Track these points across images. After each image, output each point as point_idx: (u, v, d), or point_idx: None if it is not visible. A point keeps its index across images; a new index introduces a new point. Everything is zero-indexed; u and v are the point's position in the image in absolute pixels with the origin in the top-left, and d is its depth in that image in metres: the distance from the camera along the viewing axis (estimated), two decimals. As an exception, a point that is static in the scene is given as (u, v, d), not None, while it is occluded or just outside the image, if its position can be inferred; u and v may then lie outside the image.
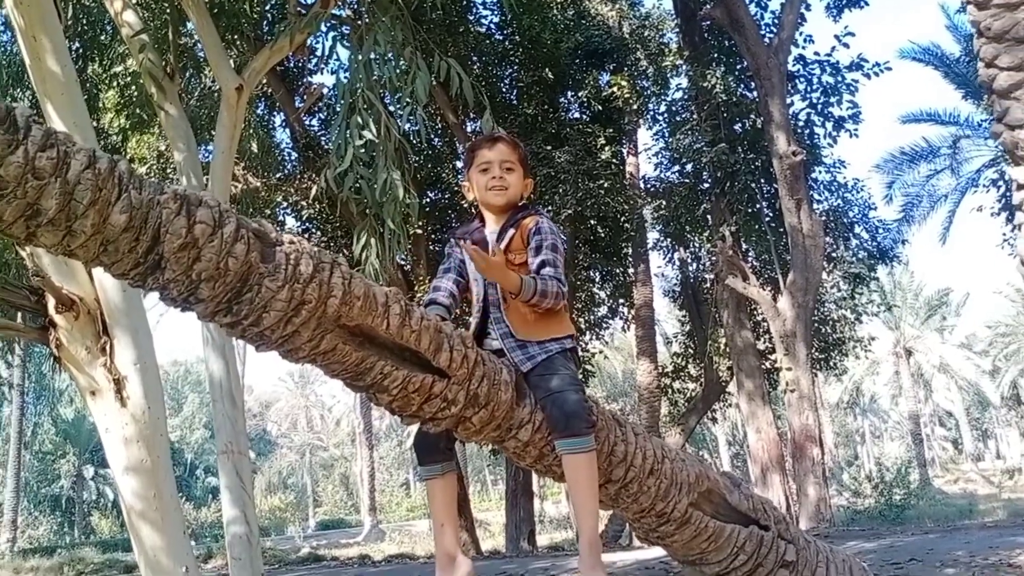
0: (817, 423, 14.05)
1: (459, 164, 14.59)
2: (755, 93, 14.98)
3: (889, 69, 15.33)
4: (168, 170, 11.38)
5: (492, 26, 15.02)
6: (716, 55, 16.03)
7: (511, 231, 2.57)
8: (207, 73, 10.00)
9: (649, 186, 17.31)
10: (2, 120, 1.57)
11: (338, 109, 6.14)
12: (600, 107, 14.63)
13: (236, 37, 9.06)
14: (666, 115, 17.22)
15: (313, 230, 14.86)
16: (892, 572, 6.46)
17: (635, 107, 15.25)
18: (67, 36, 5.44)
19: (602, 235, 15.02)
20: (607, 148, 14.13)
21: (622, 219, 14.39)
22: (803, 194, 13.68)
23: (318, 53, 10.90)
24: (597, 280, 16.69)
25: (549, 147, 13.14)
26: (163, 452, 4.79)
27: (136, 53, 6.10)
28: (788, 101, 14.55)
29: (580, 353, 2.79)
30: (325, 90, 13.22)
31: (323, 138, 14.10)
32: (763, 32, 15.20)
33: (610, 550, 11.75)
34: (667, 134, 16.84)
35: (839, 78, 15.34)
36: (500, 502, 31.76)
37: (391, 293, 2.08)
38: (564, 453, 2.34)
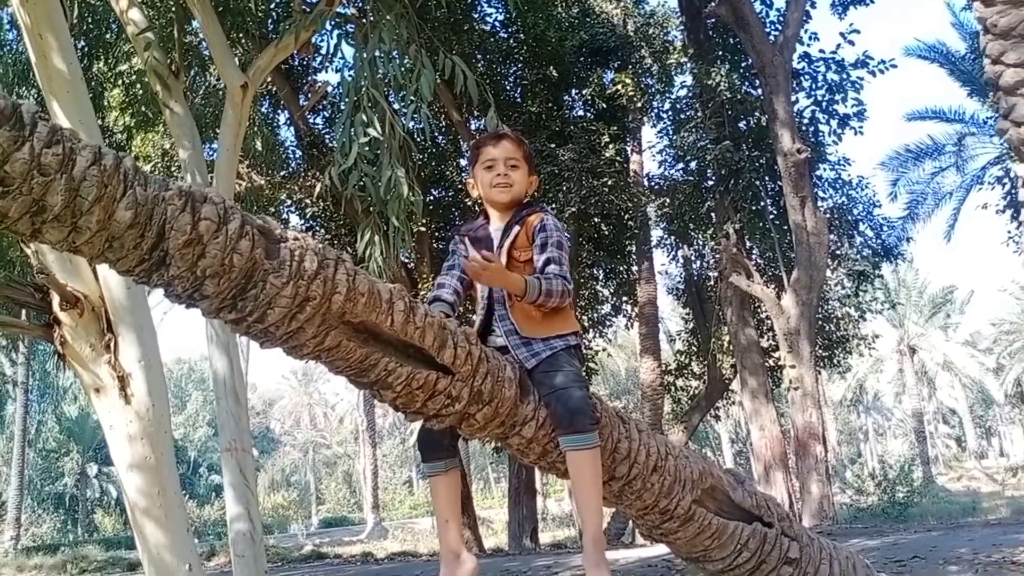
0: (820, 421, 14.03)
1: (463, 162, 14.59)
2: (760, 90, 14.95)
3: (894, 66, 15.28)
4: (173, 168, 11.39)
5: (496, 24, 15.03)
6: (721, 53, 15.99)
7: (516, 228, 2.56)
8: (212, 71, 10.02)
9: (653, 184, 17.29)
10: (8, 117, 1.58)
11: (342, 107, 6.15)
12: (604, 105, 14.62)
13: (241, 35, 9.08)
14: (670, 113, 17.20)
15: (317, 228, 14.87)
16: (895, 569, 6.46)
17: (639, 105, 15.23)
18: (72, 34, 5.45)
19: (606, 233, 15.02)
20: (611, 146, 14.12)
21: (626, 217, 14.38)
22: (807, 192, 13.66)
23: (323, 51, 10.93)
24: (601, 278, 16.69)
25: (553, 145, 13.14)
26: (167, 449, 4.81)
27: (141, 51, 6.11)
28: (793, 98, 14.52)
29: (583, 351, 2.79)
30: (329, 88, 13.26)
31: (327, 136, 14.11)
32: (768, 29, 15.16)
33: (613, 548, 11.75)
34: (671, 132, 16.82)
35: (844, 75, 15.29)
36: (503, 500, 31.77)
37: (395, 290, 2.08)
38: (568, 450, 2.34)
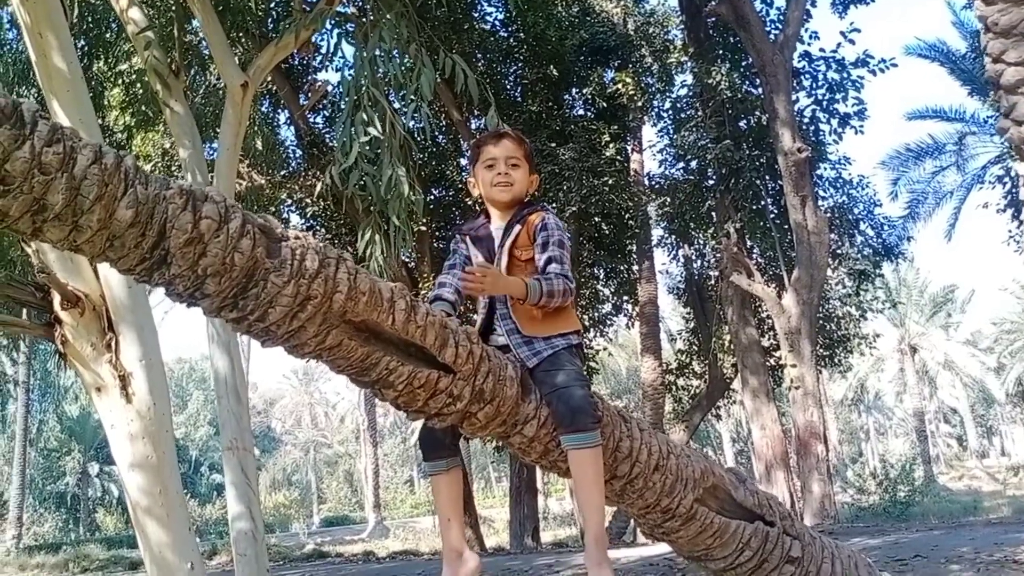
0: (821, 420, 14.03)
1: (463, 161, 14.58)
2: (760, 90, 14.94)
3: (895, 65, 15.28)
4: (173, 168, 11.40)
5: (497, 23, 15.02)
6: (721, 52, 15.98)
7: (517, 227, 2.56)
8: (212, 70, 10.02)
9: (654, 183, 17.29)
10: (9, 115, 1.57)
11: (343, 106, 6.15)
12: (605, 104, 14.61)
13: (241, 34, 9.07)
14: (671, 112, 17.19)
15: (318, 227, 14.87)
16: (897, 568, 6.46)
17: (640, 104, 15.22)
18: (72, 34, 5.45)
19: (606, 232, 15.01)
20: (611, 145, 14.11)
21: (626, 216, 14.38)
22: (808, 191, 13.66)
23: (323, 50, 10.93)
24: (601, 277, 16.68)
25: (553, 144, 13.14)
26: (168, 448, 4.80)
27: (141, 50, 6.10)
28: (793, 98, 14.51)
29: (584, 350, 2.79)
30: (329, 87, 13.25)
31: (327, 135, 14.11)
32: (768, 28, 15.15)
33: (614, 547, 11.76)
34: (672, 131, 16.81)
35: (845, 74, 15.28)
36: (504, 499, 31.77)
37: (396, 289, 2.08)
38: (570, 449, 2.34)
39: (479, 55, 13.96)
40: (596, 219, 14.33)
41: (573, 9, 14.64)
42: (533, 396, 2.35)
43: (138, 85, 8.91)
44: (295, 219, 15.10)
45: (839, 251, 15.95)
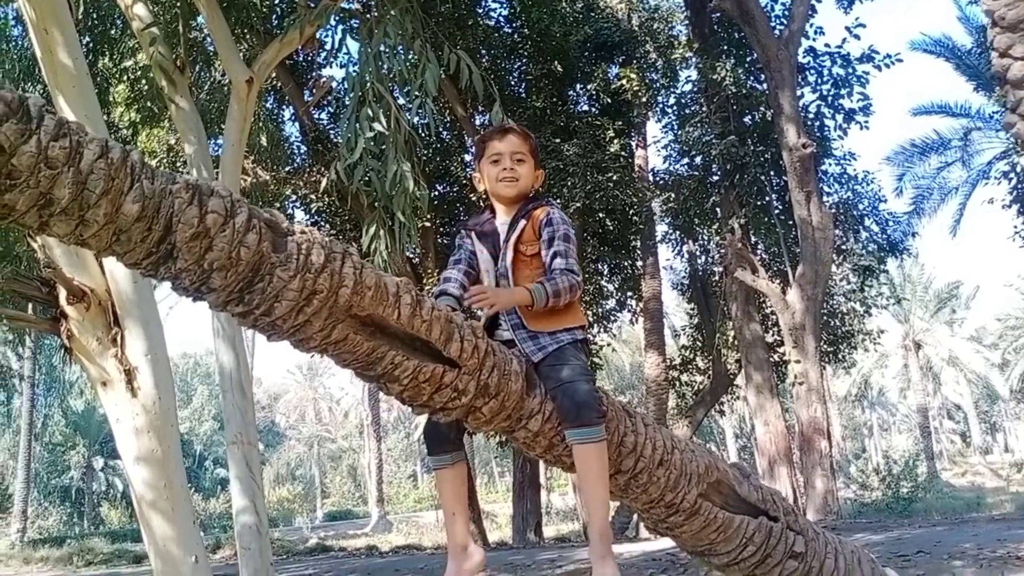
0: (825, 416, 14.03)
1: (468, 157, 14.58)
2: (765, 85, 14.91)
3: (900, 61, 15.23)
4: (178, 164, 11.42)
5: (501, 19, 15.02)
6: (726, 47, 15.93)
7: (522, 222, 2.56)
8: (217, 67, 10.03)
9: (658, 179, 17.27)
10: (15, 110, 1.58)
11: (347, 102, 6.15)
12: (609, 100, 14.60)
13: (246, 31, 9.08)
14: (675, 108, 17.18)
15: (322, 223, 14.89)
16: (900, 564, 6.45)
17: (644, 100, 15.20)
18: (78, 30, 5.45)
19: (611, 228, 15.01)
20: (616, 141, 14.10)
21: (631, 212, 14.37)
22: (813, 187, 13.63)
23: (327, 47, 10.92)
24: (605, 273, 16.67)
25: (558, 140, 13.13)
26: (173, 442, 4.82)
27: (147, 46, 6.12)
28: (798, 93, 14.48)
29: (589, 345, 2.79)
30: (334, 84, 13.25)
31: (332, 132, 14.12)
32: (773, 24, 15.12)
33: (617, 541, 11.78)
34: (676, 127, 16.79)
35: (850, 70, 15.23)
36: (507, 494, 31.82)
37: (402, 283, 2.08)
38: (574, 443, 2.34)
39: (483, 51, 13.95)
40: (600, 215, 14.33)
41: (577, 5, 14.62)
42: (538, 391, 2.36)
43: (143, 81, 8.93)
44: (300, 215, 15.13)
45: (843, 247, 15.92)
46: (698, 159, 16.19)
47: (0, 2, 7.94)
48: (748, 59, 15.74)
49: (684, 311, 22.62)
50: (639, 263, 16.54)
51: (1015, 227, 19.16)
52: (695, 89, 16.83)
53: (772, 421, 15.04)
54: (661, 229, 17.73)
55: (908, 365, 43.57)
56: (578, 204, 12.70)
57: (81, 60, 4.88)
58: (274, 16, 10.05)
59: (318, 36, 7.94)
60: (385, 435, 48.12)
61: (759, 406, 15.23)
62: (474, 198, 13.46)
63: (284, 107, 14.49)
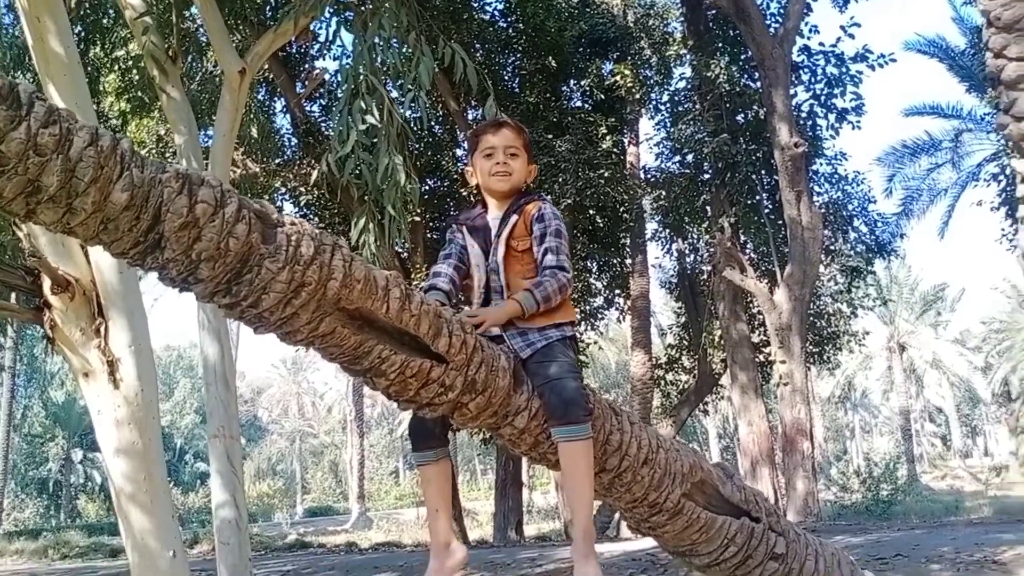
0: (808, 417, 14.10)
1: (460, 152, 14.55)
2: (759, 83, 14.94)
3: (894, 61, 15.30)
4: (167, 154, 11.35)
5: (496, 13, 14.99)
6: (720, 45, 15.94)
7: (514, 217, 2.55)
8: (209, 57, 9.97)
9: (649, 176, 17.28)
10: (5, 96, 1.56)
11: (339, 95, 6.12)
12: (602, 96, 14.60)
13: (239, 21, 9.02)
14: (668, 105, 17.19)
15: (311, 216, 14.83)
16: (878, 567, 6.50)
17: (638, 96, 15.22)
18: (70, 19, 5.40)
19: (601, 225, 15.02)
20: (608, 137, 14.10)
21: (621, 209, 14.39)
22: (803, 186, 13.68)
23: (321, 38, 10.87)
24: (594, 270, 16.69)
25: (550, 136, 13.12)
26: (155, 435, 4.78)
27: (139, 35, 6.06)
28: (792, 92, 14.50)
29: (578, 341, 2.78)
30: (327, 76, 13.19)
31: (324, 124, 14.06)
32: (768, 22, 15.12)
33: (598, 541, 11.80)
34: (669, 124, 16.80)
35: (843, 69, 15.26)
36: (488, 492, 31.83)
37: (391, 277, 2.08)
38: (560, 441, 2.33)
39: (478, 45, 13.93)
40: (591, 212, 14.34)
41: (573, 0, 14.61)
42: (525, 387, 2.35)
43: (134, 71, 8.86)
44: (289, 208, 15.08)
45: (832, 247, 15.99)
46: (690, 157, 16.21)
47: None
48: (742, 57, 15.77)
49: (671, 310, 22.69)
50: (628, 261, 16.56)
51: (1002, 230, 19.31)
52: (689, 86, 16.86)
53: (756, 421, 15.10)
54: (651, 227, 17.76)
55: (892, 367, 43.83)
56: (569, 201, 12.70)
57: (73, 49, 4.83)
58: (268, 7, 9.97)
59: (312, 28, 7.91)
60: (368, 431, 48.07)
61: (743, 406, 15.29)
62: (464, 193, 13.44)
63: (276, 99, 14.41)
